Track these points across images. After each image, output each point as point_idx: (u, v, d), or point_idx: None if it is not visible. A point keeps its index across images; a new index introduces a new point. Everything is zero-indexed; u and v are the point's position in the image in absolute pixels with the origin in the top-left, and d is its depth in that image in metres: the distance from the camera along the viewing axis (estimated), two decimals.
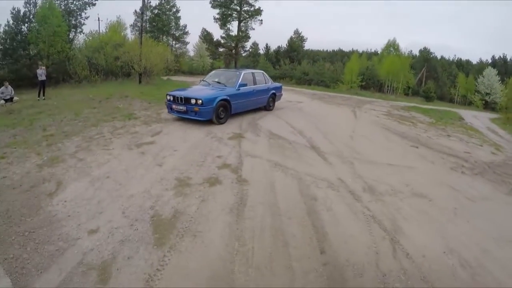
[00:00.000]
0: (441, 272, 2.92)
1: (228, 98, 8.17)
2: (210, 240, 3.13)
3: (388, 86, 35.04)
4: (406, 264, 2.95)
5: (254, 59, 42.80)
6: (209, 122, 8.06)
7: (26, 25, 21.47)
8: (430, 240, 3.40)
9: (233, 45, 36.66)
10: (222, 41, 37.26)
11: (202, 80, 9.98)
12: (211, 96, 7.85)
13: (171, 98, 8.34)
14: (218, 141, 6.58)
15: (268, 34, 61.29)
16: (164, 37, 43.29)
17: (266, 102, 10.36)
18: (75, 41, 26.31)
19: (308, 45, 50.65)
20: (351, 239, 3.28)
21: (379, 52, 43.89)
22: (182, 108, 7.98)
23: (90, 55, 22.25)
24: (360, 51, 49.17)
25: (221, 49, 38.33)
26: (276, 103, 11.11)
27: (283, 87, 11.96)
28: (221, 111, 8.10)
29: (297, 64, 37.30)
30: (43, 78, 14.50)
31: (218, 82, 9.26)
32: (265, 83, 10.28)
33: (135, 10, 42.64)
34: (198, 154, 5.70)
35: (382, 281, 2.72)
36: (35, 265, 2.82)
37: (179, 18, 44.58)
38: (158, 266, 2.74)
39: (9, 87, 11.59)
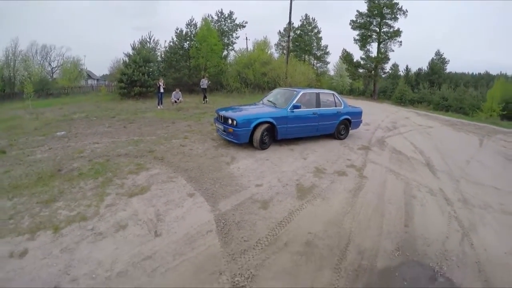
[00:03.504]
0: (496, 264, 3.97)
1: (273, 121, 7.82)
2: (332, 202, 5.22)
3: None
4: (467, 250, 4.21)
5: (394, 81, 42.76)
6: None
7: (187, 42, 28.47)
8: (498, 242, 4.50)
9: (372, 66, 37.97)
10: (362, 62, 39.08)
11: (261, 99, 9.96)
12: (247, 117, 7.64)
13: (216, 116, 8.63)
14: (349, 149, 8.75)
15: (410, 55, 59.60)
16: (306, 56, 47.66)
17: (335, 129, 9.46)
18: (228, 57, 32.40)
19: (451, 67, 46.93)
20: (431, 225, 4.76)
21: None
22: (220, 127, 8.12)
23: (240, 70, 27.37)
24: (510, 75, 43.40)
25: (360, 70, 40.04)
26: (402, 128, 11.19)
27: (418, 112, 11.75)
28: (265, 135, 7.84)
29: (437, 88, 35.83)
30: (205, 86, 19.14)
31: (272, 102, 9.04)
32: (335, 106, 9.39)
33: (279, 31, 48.69)
34: (333, 155, 8.00)
35: (443, 253, 4.06)
36: (220, 194, 5.22)
37: (320, 38, 48.68)
38: (298, 207, 4.94)
39: (179, 92, 17.11)
